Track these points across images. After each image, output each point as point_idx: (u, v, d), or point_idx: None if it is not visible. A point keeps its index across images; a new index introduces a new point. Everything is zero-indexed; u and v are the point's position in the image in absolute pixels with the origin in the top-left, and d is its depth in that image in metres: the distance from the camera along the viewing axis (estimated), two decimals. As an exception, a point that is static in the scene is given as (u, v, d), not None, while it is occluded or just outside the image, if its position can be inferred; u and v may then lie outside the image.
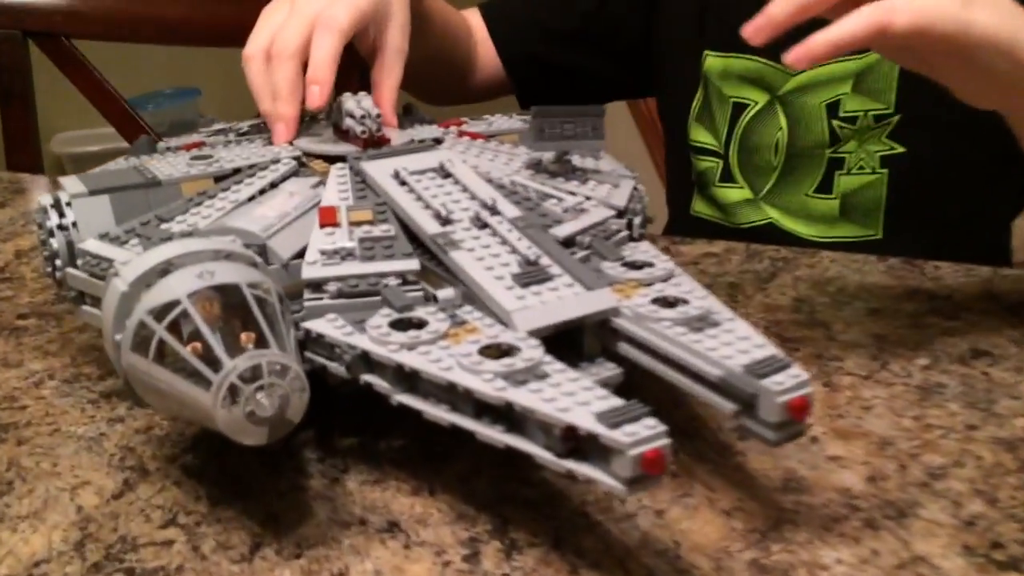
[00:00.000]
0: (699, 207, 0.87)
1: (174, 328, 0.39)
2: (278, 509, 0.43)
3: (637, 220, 0.54)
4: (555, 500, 0.43)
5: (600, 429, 0.34)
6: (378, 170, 0.52)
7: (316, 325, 0.43)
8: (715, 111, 0.83)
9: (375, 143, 0.55)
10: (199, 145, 0.62)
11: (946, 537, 0.41)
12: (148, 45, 1.64)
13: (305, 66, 0.59)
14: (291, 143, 0.58)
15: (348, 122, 0.55)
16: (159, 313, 0.39)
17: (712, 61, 0.83)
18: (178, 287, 0.39)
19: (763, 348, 0.39)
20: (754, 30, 0.50)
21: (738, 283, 0.67)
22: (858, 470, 0.45)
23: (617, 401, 0.35)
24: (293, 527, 0.41)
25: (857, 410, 0.50)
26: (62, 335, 0.59)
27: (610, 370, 0.44)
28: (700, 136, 0.85)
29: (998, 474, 0.45)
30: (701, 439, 0.47)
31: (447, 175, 0.52)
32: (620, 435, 0.33)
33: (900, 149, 0.78)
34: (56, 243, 0.50)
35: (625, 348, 0.43)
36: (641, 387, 0.41)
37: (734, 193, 0.84)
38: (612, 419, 0.34)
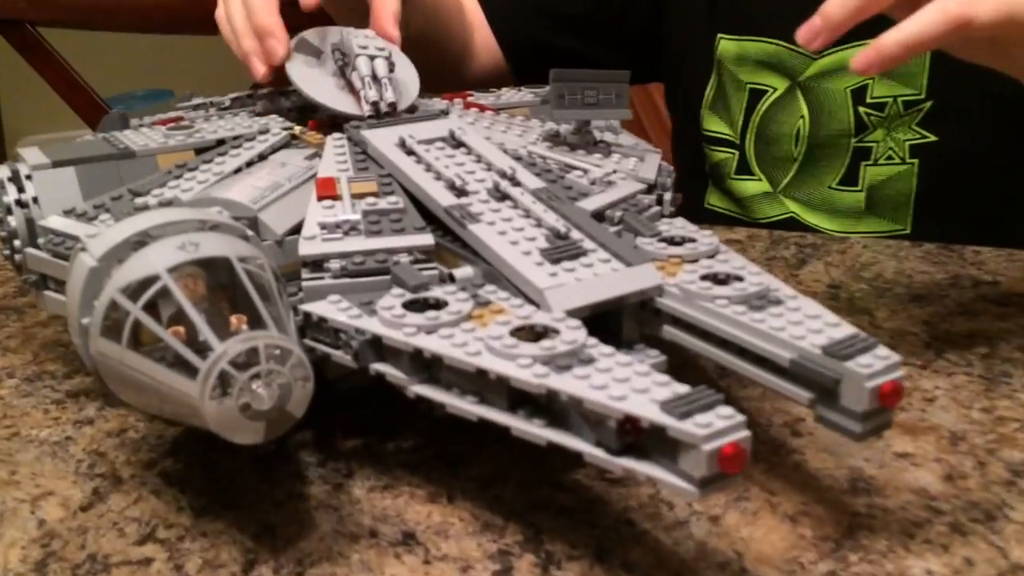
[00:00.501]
0: (714, 200, 0.82)
1: (152, 310, 0.33)
2: (274, 520, 0.37)
3: (667, 196, 0.49)
4: (594, 506, 0.38)
5: (667, 420, 0.28)
6: (381, 139, 0.46)
7: (318, 308, 0.37)
8: (730, 98, 0.78)
9: (379, 114, 0.49)
10: (177, 120, 0.56)
11: (1048, 543, 0.35)
12: (120, 45, 1.57)
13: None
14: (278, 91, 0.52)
15: (355, 80, 0.50)
16: (134, 291, 0.33)
17: (726, 45, 0.77)
18: (157, 260, 0.33)
19: (839, 327, 0.34)
20: (809, 34, 0.45)
21: (768, 270, 0.61)
22: (932, 468, 0.40)
23: (681, 387, 0.30)
24: (292, 541, 0.36)
25: (919, 402, 0.45)
26: (24, 330, 0.53)
27: (653, 357, 0.38)
28: (714, 125, 0.80)
29: (1091, 470, 0.40)
30: (754, 436, 0.42)
31: (458, 144, 0.47)
32: (692, 427, 0.28)
33: (932, 138, 0.72)
34: (14, 221, 0.44)
35: (671, 331, 0.38)
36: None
37: (751, 186, 0.78)
38: (680, 408, 0.29)
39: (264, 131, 0.49)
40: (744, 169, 0.79)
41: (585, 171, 0.47)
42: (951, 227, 0.73)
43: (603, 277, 0.37)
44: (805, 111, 0.75)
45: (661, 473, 0.29)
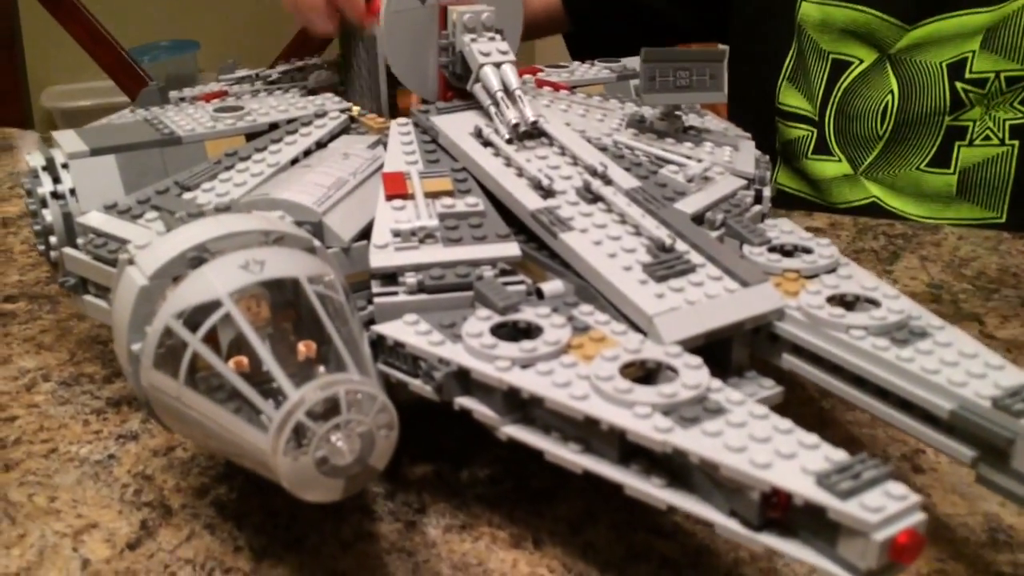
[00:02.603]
0: (783, 179, 0.76)
1: (211, 338, 0.29)
2: (343, 567, 0.33)
3: (767, 191, 0.44)
4: (700, 558, 0.33)
5: (828, 499, 0.24)
6: (454, 127, 0.41)
7: (393, 330, 0.32)
8: (811, 69, 0.72)
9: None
10: (222, 95, 0.51)
11: None
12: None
13: None
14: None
15: (480, 95, 0.42)
16: (193, 318, 0.28)
17: (808, 8, 0.71)
18: (218, 283, 0.29)
19: (1005, 371, 0.29)
20: None
21: (858, 263, 0.56)
22: (1077, 516, 0.35)
23: (837, 453, 0.26)
24: (365, 594, 0.32)
25: (1049, 432, 0.40)
26: (58, 323, 0.49)
27: (768, 389, 0.34)
28: (791, 100, 0.74)
29: None
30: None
31: (540, 133, 0.42)
32: (860, 510, 0.23)
33: None
34: (50, 215, 0.39)
35: (793, 361, 0.33)
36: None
37: (830, 167, 0.73)
38: (842, 484, 0.24)
39: (321, 114, 0.44)
40: (822, 148, 0.73)
41: (680, 165, 0.42)
42: None
43: (717, 300, 0.33)
44: (895, 86, 0.69)
45: (815, 559, 0.24)
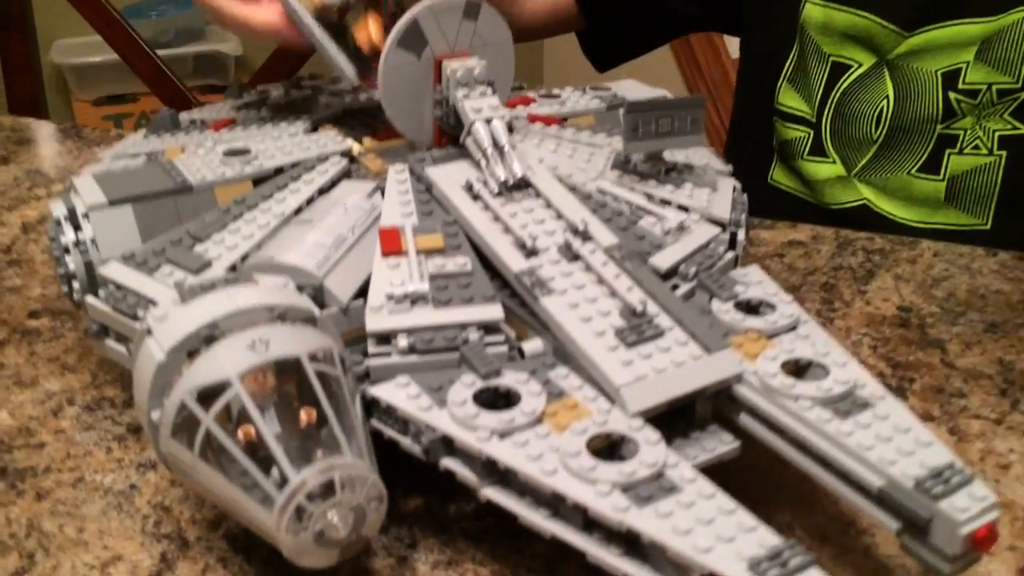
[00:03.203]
0: (779, 176, 0.79)
1: (223, 410, 0.32)
2: (341, 601, 0.37)
3: (741, 234, 0.47)
4: (661, 595, 0.37)
5: (756, 584, 0.27)
6: (447, 179, 0.44)
7: (386, 393, 0.36)
8: (810, 71, 0.74)
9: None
10: (229, 123, 0.54)
11: (1126, 663, 0.35)
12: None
13: None
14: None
15: (472, 148, 0.45)
16: (205, 395, 0.32)
17: (811, 10, 0.73)
18: (228, 365, 0.32)
19: (933, 449, 0.33)
20: None
21: (833, 284, 0.59)
22: (1006, 559, 0.39)
23: (772, 538, 0.29)
24: (361, 629, 0.36)
25: (993, 469, 0.44)
26: (79, 341, 0.53)
27: (727, 444, 0.37)
28: (790, 100, 0.76)
29: None
30: (820, 511, 0.41)
31: (527, 185, 0.44)
32: (783, 597, 0.27)
33: (1023, 129, 0.69)
34: (72, 264, 0.43)
35: (748, 422, 0.37)
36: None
37: (824, 169, 0.75)
38: (768, 571, 0.28)
39: (323, 158, 0.47)
40: (818, 150, 0.75)
41: (659, 217, 0.44)
42: None
43: (682, 367, 0.36)
44: (890, 91, 0.71)
45: (746, 633, 0.28)
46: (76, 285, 0.43)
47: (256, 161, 0.47)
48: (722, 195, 0.48)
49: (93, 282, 0.43)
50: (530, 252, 0.40)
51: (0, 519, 0.41)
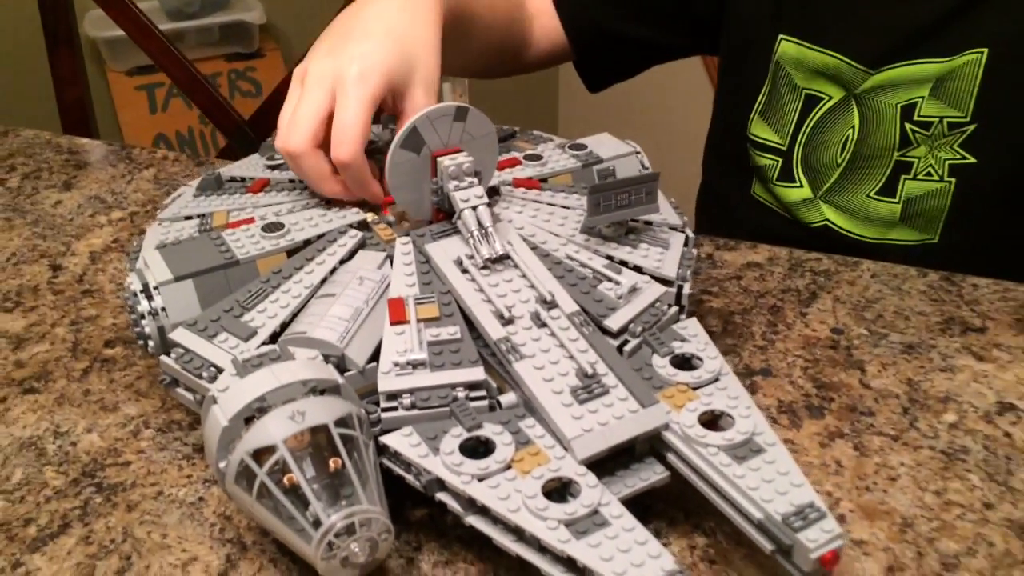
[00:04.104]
0: (759, 191, 0.88)
1: (272, 464, 0.43)
2: (364, 594, 0.49)
3: (686, 287, 0.57)
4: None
5: (653, 601, 0.39)
6: (442, 255, 0.55)
7: (393, 441, 0.47)
8: (785, 102, 0.82)
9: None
10: (264, 185, 0.64)
11: (953, 643, 0.46)
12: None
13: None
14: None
15: (462, 229, 0.56)
16: (258, 454, 0.43)
17: (787, 47, 0.81)
18: (275, 431, 0.43)
19: (802, 489, 0.44)
20: None
21: (779, 306, 0.70)
22: (879, 558, 0.50)
23: (670, 563, 0.40)
24: (379, 616, 0.48)
25: (884, 481, 0.55)
26: (149, 369, 0.64)
27: (658, 474, 0.48)
28: (761, 132, 0.85)
29: (1005, 565, 0.50)
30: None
31: (507, 257, 0.55)
32: (671, 610, 0.38)
33: (971, 159, 0.77)
34: (148, 328, 0.54)
35: (673, 460, 0.48)
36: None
37: (793, 192, 0.84)
38: (663, 590, 0.39)
39: (342, 230, 0.58)
40: (787, 176, 0.85)
41: (616, 283, 0.55)
42: (977, 243, 0.80)
43: (621, 421, 0.47)
44: (856, 122, 0.80)
45: (647, 632, 0.39)
46: (151, 344, 0.54)
47: (289, 235, 0.57)
48: (672, 253, 0.58)
49: (164, 341, 0.54)
50: (507, 321, 0.51)
51: (101, 527, 0.53)
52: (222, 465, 0.45)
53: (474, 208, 0.55)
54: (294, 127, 0.57)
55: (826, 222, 0.84)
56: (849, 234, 0.83)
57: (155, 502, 0.54)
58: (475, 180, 0.56)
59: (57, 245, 0.79)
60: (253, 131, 1.17)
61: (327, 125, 0.58)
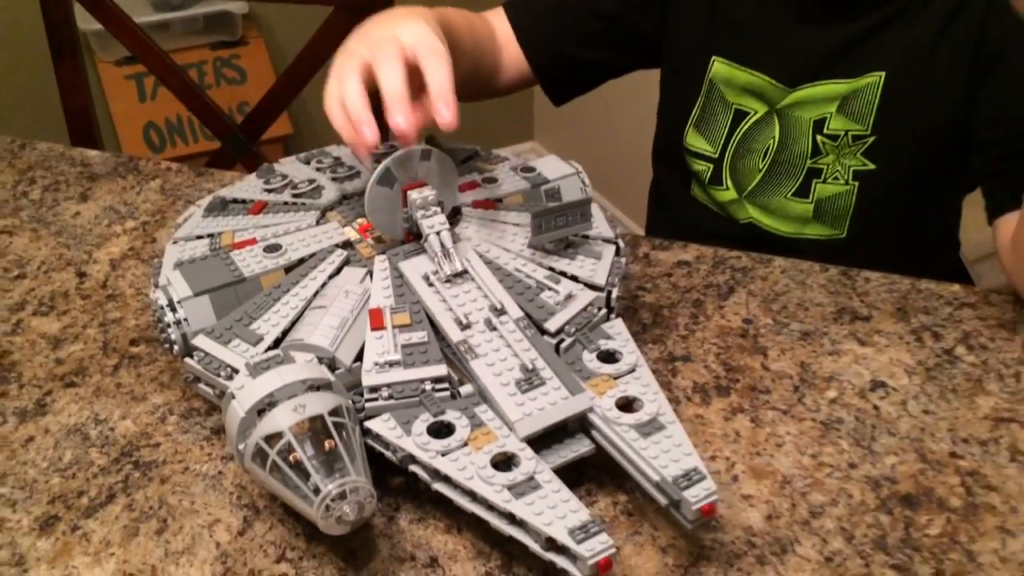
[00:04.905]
0: (697, 192, 1.01)
1: (280, 447, 0.56)
2: (355, 545, 0.62)
3: (615, 292, 0.70)
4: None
5: (570, 543, 0.52)
6: (412, 271, 0.67)
7: (375, 426, 0.60)
8: (717, 116, 0.95)
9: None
10: (263, 207, 0.76)
11: (809, 572, 0.59)
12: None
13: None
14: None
15: (428, 250, 0.68)
16: (269, 439, 0.56)
17: (719, 67, 0.93)
18: (282, 421, 0.56)
19: (690, 458, 0.57)
20: None
21: (701, 300, 0.82)
22: (761, 508, 0.63)
23: (585, 516, 0.53)
24: (366, 562, 0.60)
25: (772, 447, 0.68)
26: (170, 364, 0.77)
27: (586, 446, 0.61)
28: (696, 142, 0.97)
29: (859, 512, 0.63)
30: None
31: (465, 272, 0.67)
32: (582, 549, 0.51)
33: (871, 166, 0.90)
34: (174, 335, 0.66)
35: (597, 436, 0.61)
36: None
37: (723, 194, 0.97)
38: (579, 535, 0.52)
39: (330, 250, 0.70)
40: (717, 180, 0.97)
41: (555, 291, 0.67)
42: (879, 235, 0.93)
43: (554, 406, 0.60)
44: (776, 133, 0.93)
45: (569, 567, 0.52)
46: (176, 347, 0.66)
47: (286, 255, 0.69)
48: (604, 264, 0.71)
49: (187, 346, 0.66)
50: (465, 327, 0.64)
51: (141, 497, 0.65)
52: (240, 447, 0.58)
53: (438, 233, 0.67)
54: (388, 76, 0.66)
55: (751, 219, 0.97)
56: (771, 230, 0.96)
57: (183, 476, 0.67)
58: (438, 209, 0.68)
59: (80, 254, 0.90)
60: (244, 134, 1.28)
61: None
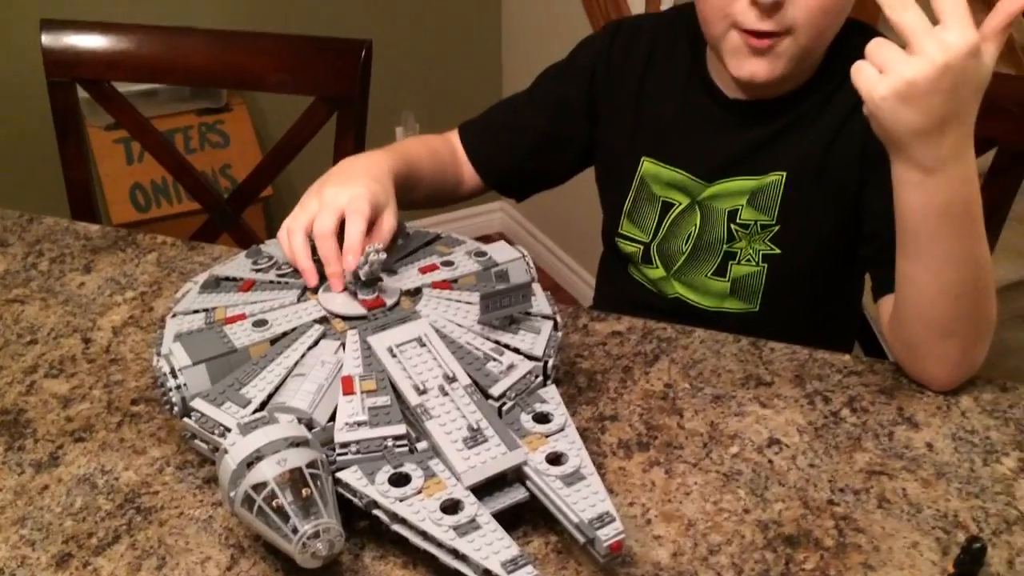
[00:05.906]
0: (633, 272, 1.15)
1: (265, 494, 0.68)
2: (326, 578, 0.73)
3: (551, 361, 0.82)
4: None
5: (502, 573, 0.64)
6: (379, 344, 0.79)
7: (345, 476, 0.72)
8: (647, 207, 1.09)
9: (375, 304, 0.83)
10: (251, 285, 0.89)
11: (706, 600, 0.71)
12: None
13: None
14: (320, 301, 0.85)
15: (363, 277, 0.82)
16: (256, 487, 0.67)
17: (648, 166, 1.08)
18: (267, 472, 0.67)
19: (604, 503, 0.69)
20: None
21: (630, 367, 0.95)
22: (668, 547, 0.75)
23: (515, 551, 0.65)
24: (335, 593, 0.72)
25: (681, 495, 0.80)
26: (167, 421, 0.88)
27: (521, 494, 0.73)
28: (629, 230, 1.11)
29: (749, 550, 0.75)
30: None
31: (423, 344, 0.80)
32: (512, 580, 0.63)
33: (777, 251, 1.04)
34: (175, 398, 0.78)
35: (531, 485, 0.73)
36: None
37: (652, 272, 1.11)
38: (509, 567, 0.64)
39: (309, 325, 0.82)
40: (647, 260, 1.11)
41: (498, 361, 0.80)
42: (787, 309, 1.07)
43: (495, 459, 0.72)
44: (697, 221, 1.07)
45: (500, 594, 0.64)
46: (176, 408, 0.78)
47: (271, 329, 0.82)
48: (542, 337, 0.83)
49: (186, 407, 0.78)
50: (421, 392, 0.76)
51: (142, 537, 0.76)
52: (232, 494, 0.69)
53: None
54: (321, 219, 0.86)
55: (678, 295, 1.10)
56: (695, 304, 1.10)
57: (179, 519, 0.78)
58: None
59: (85, 321, 1.02)
60: (232, 207, 1.41)
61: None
